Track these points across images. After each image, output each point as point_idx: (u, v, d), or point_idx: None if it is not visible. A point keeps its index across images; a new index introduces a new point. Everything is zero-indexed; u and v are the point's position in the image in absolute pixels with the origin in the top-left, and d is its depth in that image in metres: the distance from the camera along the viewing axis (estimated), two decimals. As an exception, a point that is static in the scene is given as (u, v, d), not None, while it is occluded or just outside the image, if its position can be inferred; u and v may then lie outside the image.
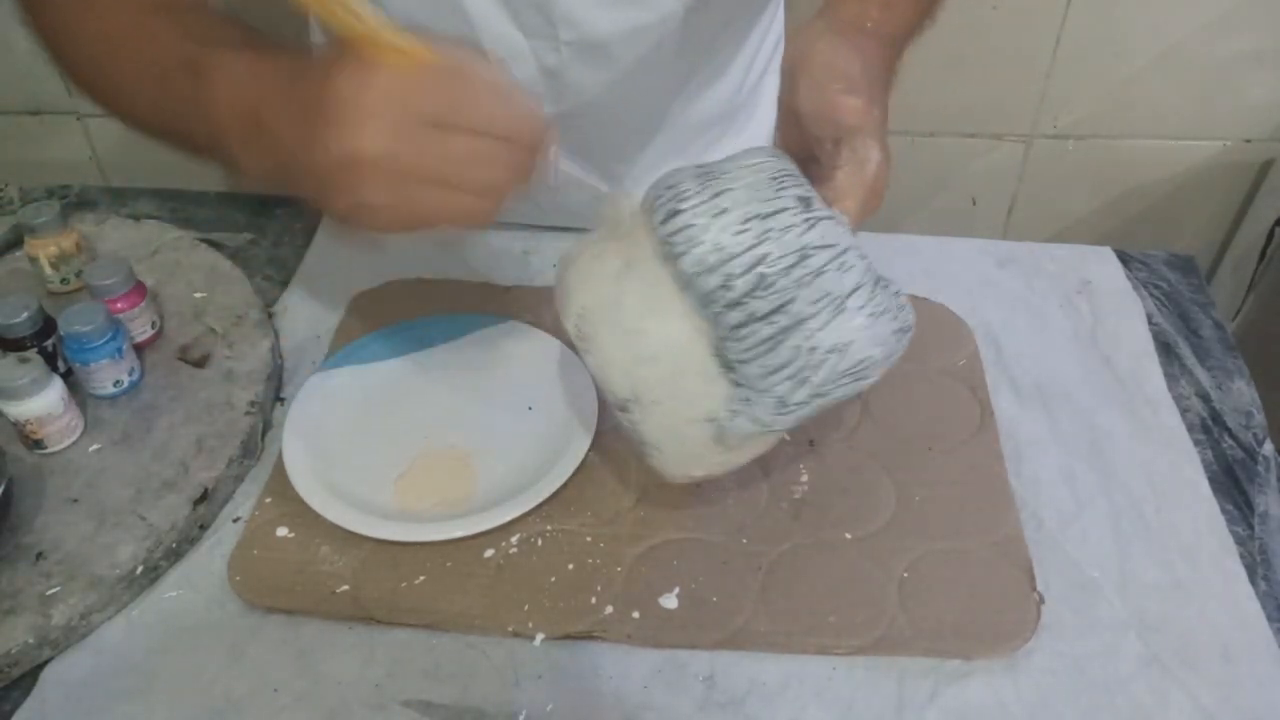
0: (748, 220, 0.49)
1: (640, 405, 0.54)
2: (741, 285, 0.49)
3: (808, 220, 0.50)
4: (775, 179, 0.51)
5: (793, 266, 0.49)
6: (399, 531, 0.61)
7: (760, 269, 0.49)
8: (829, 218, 0.51)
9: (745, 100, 0.86)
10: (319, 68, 0.49)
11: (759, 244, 0.49)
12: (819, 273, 0.50)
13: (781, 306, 0.49)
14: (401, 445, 0.68)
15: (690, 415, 0.53)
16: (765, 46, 0.84)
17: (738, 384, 0.52)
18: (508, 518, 0.62)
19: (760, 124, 0.89)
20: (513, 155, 0.50)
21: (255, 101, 0.51)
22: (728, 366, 0.52)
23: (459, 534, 0.61)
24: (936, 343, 0.76)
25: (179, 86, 0.54)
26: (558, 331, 0.72)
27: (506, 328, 0.75)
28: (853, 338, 0.50)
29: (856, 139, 0.55)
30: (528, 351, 0.73)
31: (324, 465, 0.65)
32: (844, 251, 0.51)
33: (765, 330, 0.50)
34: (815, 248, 0.50)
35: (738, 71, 0.82)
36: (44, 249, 0.76)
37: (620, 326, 0.53)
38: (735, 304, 0.50)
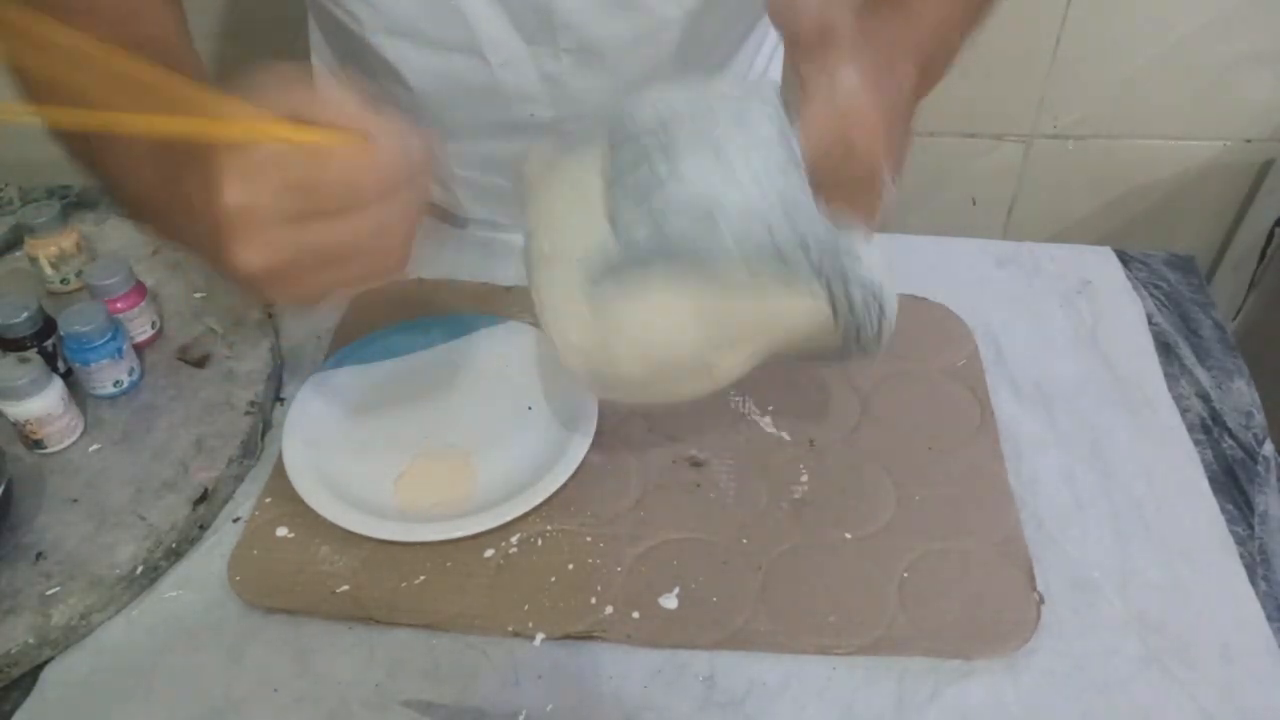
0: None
1: (547, 262, 0.52)
2: (642, 121, 0.48)
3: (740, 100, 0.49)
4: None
5: (696, 115, 0.47)
6: (399, 531, 0.61)
7: (663, 112, 0.48)
8: (764, 103, 0.49)
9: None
10: (191, 174, 0.46)
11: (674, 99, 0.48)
12: (713, 121, 0.47)
13: (665, 143, 0.47)
14: (401, 445, 0.68)
15: (570, 253, 0.51)
16: (764, 49, 0.84)
17: (609, 218, 0.49)
18: (508, 518, 0.62)
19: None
20: (391, 220, 0.46)
21: (138, 194, 0.52)
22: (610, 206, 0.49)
23: (459, 534, 0.61)
24: (936, 343, 0.76)
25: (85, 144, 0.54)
26: None
27: (507, 328, 0.75)
28: (706, 177, 0.46)
29: (826, 53, 0.50)
30: (528, 351, 0.73)
31: (324, 465, 0.65)
32: (750, 110, 0.48)
33: (632, 152, 0.48)
34: (723, 98, 0.48)
35: (736, 76, 0.82)
36: (44, 249, 0.76)
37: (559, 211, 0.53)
38: (630, 138, 0.48)
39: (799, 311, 0.50)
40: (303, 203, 0.45)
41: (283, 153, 0.44)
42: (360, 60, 0.76)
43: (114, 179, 0.55)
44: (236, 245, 0.45)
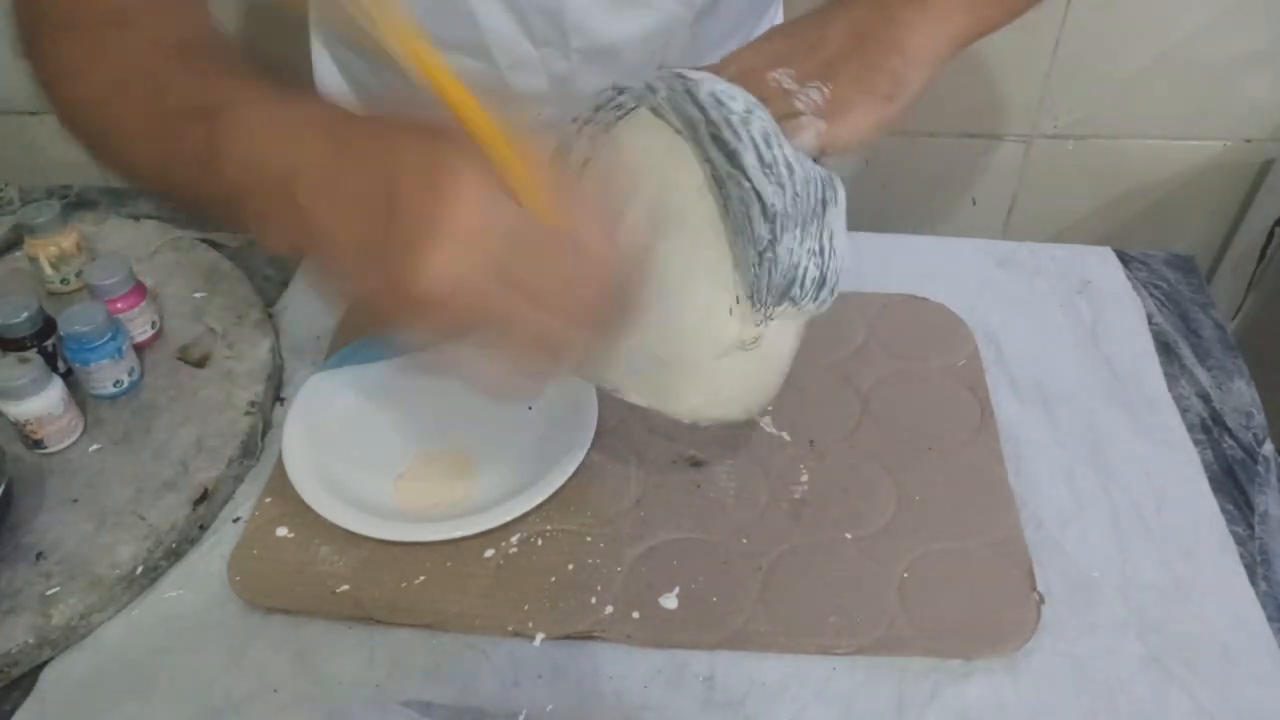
0: None
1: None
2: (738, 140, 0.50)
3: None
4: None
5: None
6: (399, 531, 0.61)
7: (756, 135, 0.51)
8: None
9: None
10: (390, 146, 0.41)
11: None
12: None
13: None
14: (401, 445, 0.68)
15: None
16: None
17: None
18: (508, 518, 0.62)
19: None
20: (568, 343, 0.43)
21: (286, 169, 0.42)
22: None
23: (459, 534, 0.61)
24: (936, 343, 0.76)
25: (189, 139, 0.46)
26: None
27: None
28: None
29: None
30: None
31: (324, 465, 0.65)
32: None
33: (737, 190, 0.50)
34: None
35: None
36: (44, 249, 0.76)
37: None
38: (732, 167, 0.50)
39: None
40: (517, 266, 0.40)
41: (525, 217, 0.40)
42: (367, 64, 0.76)
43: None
44: (434, 252, 0.38)
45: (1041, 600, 0.59)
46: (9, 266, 0.81)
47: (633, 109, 0.53)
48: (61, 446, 0.66)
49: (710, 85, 0.51)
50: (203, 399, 0.70)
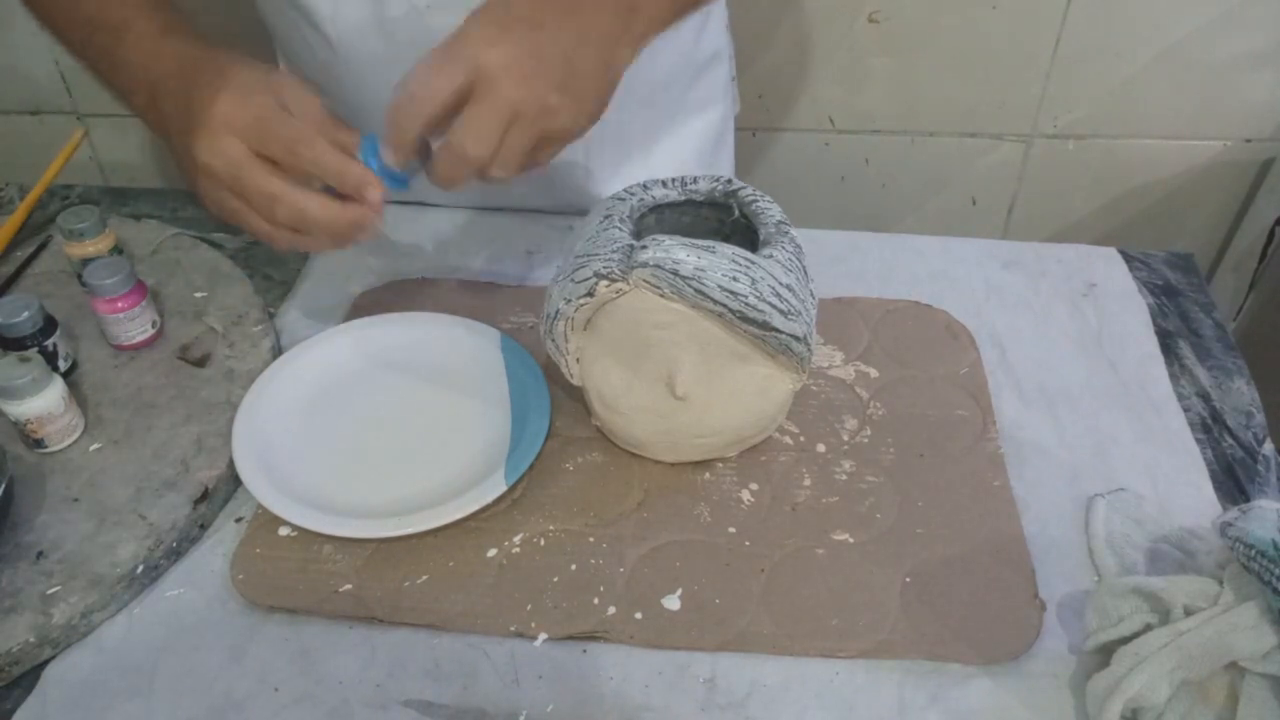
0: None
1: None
2: None
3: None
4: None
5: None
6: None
7: None
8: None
9: (704, 56, 0.87)
10: (202, 69, 0.60)
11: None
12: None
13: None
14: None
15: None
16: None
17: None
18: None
19: (717, 77, 0.90)
20: (329, 216, 0.59)
21: (155, 78, 0.62)
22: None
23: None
24: (939, 349, 0.76)
25: (97, 41, 0.64)
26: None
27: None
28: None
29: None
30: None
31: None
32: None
33: None
34: None
35: (689, 29, 0.82)
36: (82, 252, 0.77)
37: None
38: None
39: None
40: (264, 142, 0.58)
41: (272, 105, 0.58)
42: (299, 32, 0.78)
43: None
44: (206, 140, 0.58)
45: (1043, 606, 0.59)
46: (42, 268, 0.82)
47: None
48: (62, 446, 0.66)
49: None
50: (203, 399, 0.70)
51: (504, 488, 0.63)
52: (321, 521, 0.61)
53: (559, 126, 0.58)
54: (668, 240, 0.58)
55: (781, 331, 0.59)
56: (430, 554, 0.62)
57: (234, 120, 0.57)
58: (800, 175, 1.38)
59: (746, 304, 0.58)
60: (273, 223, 0.59)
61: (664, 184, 0.66)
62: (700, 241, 0.58)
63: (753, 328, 0.59)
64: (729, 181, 0.65)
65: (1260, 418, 0.72)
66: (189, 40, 0.63)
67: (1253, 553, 0.50)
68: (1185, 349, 0.77)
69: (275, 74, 0.60)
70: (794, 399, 0.67)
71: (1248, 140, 1.31)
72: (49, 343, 0.69)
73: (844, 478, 0.66)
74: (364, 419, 0.69)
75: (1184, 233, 1.41)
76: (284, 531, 0.63)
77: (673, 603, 0.59)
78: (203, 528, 0.64)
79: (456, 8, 0.71)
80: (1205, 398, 0.73)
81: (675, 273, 0.57)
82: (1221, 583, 0.52)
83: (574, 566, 0.61)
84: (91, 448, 0.67)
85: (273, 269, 0.84)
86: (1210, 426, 0.71)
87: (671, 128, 0.88)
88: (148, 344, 0.74)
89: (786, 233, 0.62)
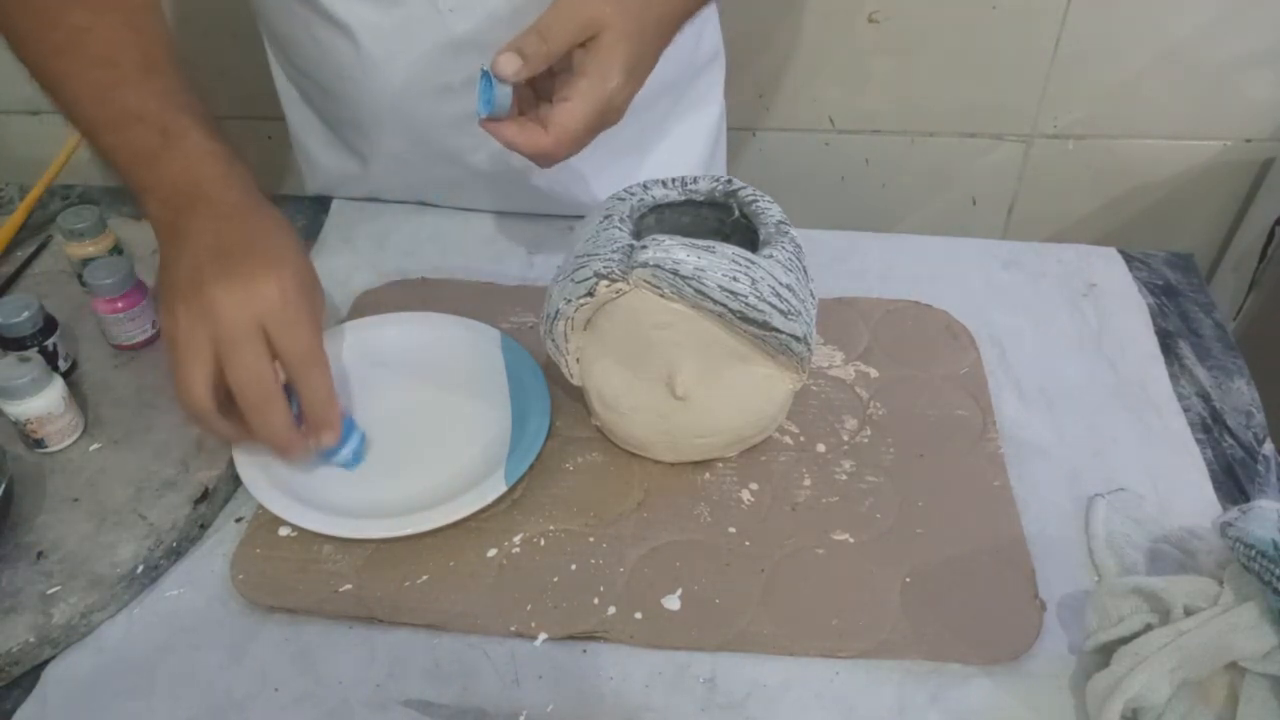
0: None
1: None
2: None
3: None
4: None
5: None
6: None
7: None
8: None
9: (704, 56, 0.87)
10: (256, 226, 0.62)
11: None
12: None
13: None
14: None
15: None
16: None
17: None
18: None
19: (714, 77, 0.90)
20: (285, 436, 0.61)
21: (194, 199, 0.62)
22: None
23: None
24: (939, 349, 0.76)
25: (137, 134, 0.63)
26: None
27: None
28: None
29: (602, 52, 0.59)
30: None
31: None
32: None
33: None
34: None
35: (692, 28, 0.83)
36: (82, 252, 0.77)
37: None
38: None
39: None
40: (281, 342, 0.59)
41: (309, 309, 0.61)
42: (310, 33, 0.77)
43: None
44: (167, 316, 0.60)
45: (1043, 606, 0.59)
46: (42, 268, 0.82)
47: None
48: (62, 446, 0.66)
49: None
50: (203, 398, 0.70)
51: (504, 488, 0.63)
52: (321, 521, 0.61)
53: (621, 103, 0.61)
54: (668, 240, 0.58)
55: (781, 331, 0.60)
56: (430, 554, 0.62)
57: (268, 311, 0.59)
58: (800, 175, 1.38)
59: (746, 304, 0.58)
60: (238, 399, 0.59)
61: (664, 184, 0.66)
62: (700, 241, 0.58)
63: (753, 328, 0.59)
64: (729, 181, 0.65)
65: (1260, 418, 0.72)
66: (219, 163, 0.63)
67: (1253, 553, 0.50)
68: (1185, 349, 0.77)
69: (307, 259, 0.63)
70: (794, 399, 0.67)
71: (1248, 140, 1.31)
72: (49, 343, 0.69)
73: (844, 478, 0.66)
74: (364, 419, 0.69)
75: (1184, 233, 1.41)
76: (284, 531, 0.63)
77: (673, 603, 0.59)
78: (203, 528, 0.64)
79: (477, 10, 0.72)
80: (1205, 398, 0.73)
81: (675, 273, 0.57)
82: (1221, 583, 0.52)
83: (574, 566, 0.61)
84: (91, 448, 0.67)
85: (273, 269, 0.84)
86: (1210, 426, 0.71)
87: (671, 127, 0.88)
88: (148, 344, 0.74)
89: (786, 233, 0.62)
